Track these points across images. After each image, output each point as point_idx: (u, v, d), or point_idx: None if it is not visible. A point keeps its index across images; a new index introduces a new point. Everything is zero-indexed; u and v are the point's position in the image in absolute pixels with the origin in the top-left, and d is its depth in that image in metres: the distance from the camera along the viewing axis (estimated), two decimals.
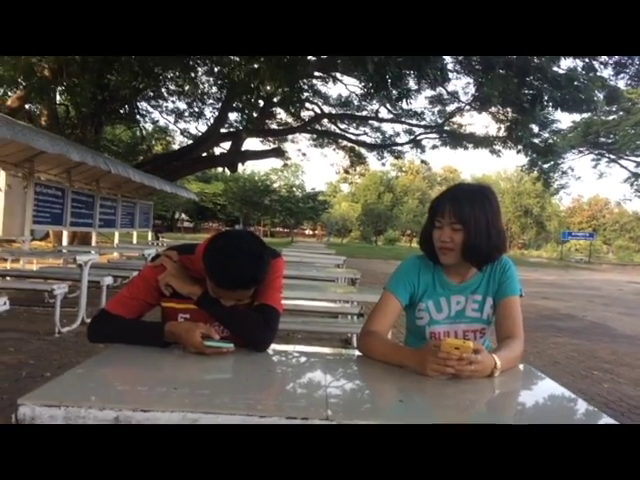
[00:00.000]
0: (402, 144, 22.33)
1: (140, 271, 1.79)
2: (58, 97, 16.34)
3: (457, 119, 20.45)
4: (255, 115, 18.54)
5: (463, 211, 1.62)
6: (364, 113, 21.07)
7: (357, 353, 1.72)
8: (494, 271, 1.76)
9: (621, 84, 17.56)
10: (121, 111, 18.14)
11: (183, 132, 23.23)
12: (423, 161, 25.89)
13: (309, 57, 13.74)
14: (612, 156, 32.86)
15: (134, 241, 15.23)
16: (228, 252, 1.54)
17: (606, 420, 1.20)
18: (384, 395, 1.44)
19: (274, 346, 1.72)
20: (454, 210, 1.63)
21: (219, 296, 1.60)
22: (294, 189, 49.92)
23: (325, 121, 22.15)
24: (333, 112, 21.29)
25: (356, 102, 20.43)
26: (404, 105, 17.30)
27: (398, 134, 22.13)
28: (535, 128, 17.61)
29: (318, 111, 20.96)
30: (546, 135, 18.55)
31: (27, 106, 16.49)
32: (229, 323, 1.65)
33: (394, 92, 12.75)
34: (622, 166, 34.58)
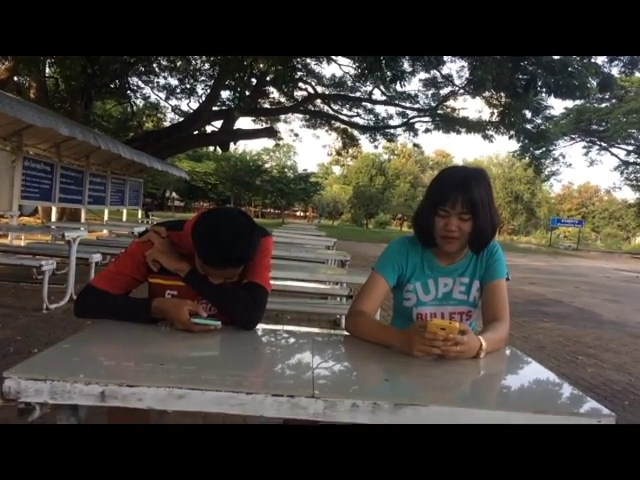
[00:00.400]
0: (395, 127, 22.22)
1: (127, 247, 1.77)
2: (47, 70, 16.03)
3: (450, 103, 20.37)
4: (248, 93, 18.32)
5: (474, 200, 1.60)
6: (357, 94, 20.90)
7: (345, 333, 1.72)
8: (482, 254, 1.76)
9: (615, 71, 17.56)
10: (111, 86, 17.88)
11: (174, 109, 22.97)
12: (416, 145, 25.82)
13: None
14: (603, 144, 32.96)
15: (124, 219, 15.14)
16: (218, 229, 1.52)
17: (590, 404, 1.21)
18: (370, 374, 1.44)
19: (262, 325, 1.72)
20: (466, 201, 1.60)
21: (207, 273, 1.59)
22: (286, 170, 49.76)
23: (318, 101, 21.96)
24: (326, 92, 21.10)
25: (350, 83, 20.24)
26: (398, 87, 17.14)
27: (391, 117, 22.02)
28: (528, 114, 17.61)
29: (311, 91, 20.77)
30: (539, 121, 18.56)
31: (15, 78, 16.17)
32: (217, 301, 1.64)
33: (388, 73, 12.65)
34: (613, 154, 34.74)
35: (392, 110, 21.68)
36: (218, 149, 24.04)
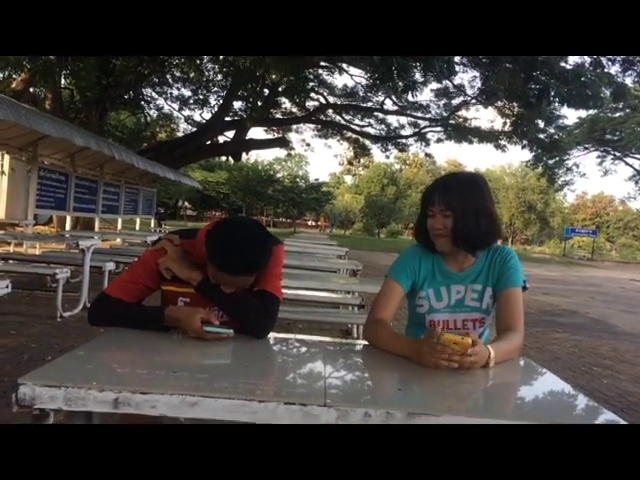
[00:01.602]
0: (407, 137, 22.24)
1: (140, 255, 1.78)
2: (63, 81, 16.25)
3: (462, 113, 20.36)
4: (260, 104, 18.46)
5: (452, 198, 1.67)
6: (369, 104, 20.96)
7: (358, 343, 1.73)
8: (495, 261, 1.76)
9: (628, 81, 17.37)
10: (125, 97, 18.11)
11: (187, 119, 23.19)
12: (427, 154, 25.78)
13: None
14: (617, 153, 32.65)
15: (137, 228, 15.25)
16: (231, 237, 1.53)
17: (606, 415, 1.19)
18: (383, 384, 1.44)
19: (274, 334, 1.72)
20: (443, 198, 1.69)
21: (220, 282, 1.60)
22: (297, 179, 49.88)
23: (330, 111, 22.05)
24: (338, 102, 21.20)
25: (361, 93, 20.33)
26: (409, 97, 17.20)
27: (403, 126, 22.06)
28: (541, 123, 17.51)
29: (323, 101, 20.88)
30: (552, 131, 18.45)
31: (31, 89, 16.42)
32: (229, 309, 1.65)
33: (400, 84, 12.65)
34: (627, 164, 34.38)
35: (404, 120, 21.72)
36: (230, 159, 24.16)
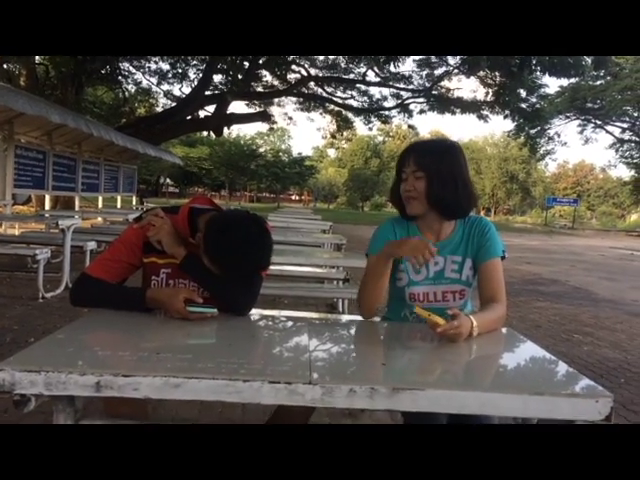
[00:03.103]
0: (389, 108, 22.07)
1: (121, 233, 1.75)
2: (37, 57, 15.82)
3: (445, 83, 20.26)
4: (240, 77, 18.15)
5: (424, 159, 1.69)
6: (351, 76, 20.73)
7: (342, 318, 1.73)
8: (473, 232, 1.76)
9: None
10: (102, 71, 17.66)
11: (167, 94, 22.72)
12: (410, 126, 25.73)
13: None
14: (598, 122, 32.88)
15: (118, 206, 15.06)
16: (241, 250, 1.51)
17: (587, 383, 1.21)
18: (367, 359, 1.44)
19: (259, 311, 1.72)
20: (415, 158, 1.70)
21: (215, 272, 1.58)
22: (280, 154, 49.50)
23: (312, 84, 21.78)
24: (320, 75, 20.91)
25: (343, 65, 20.04)
26: (392, 68, 17.07)
27: (385, 98, 21.88)
28: (523, 93, 17.53)
29: (305, 73, 20.57)
30: (533, 100, 18.49)
31: (5, 66, 15.96)
32: (211, 287, 1.64)
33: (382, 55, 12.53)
34: (608, 132, 34.68)
35: (386, 91, 21.61)
36: (212, 134, 23.84)
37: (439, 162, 1.67)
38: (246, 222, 1.58)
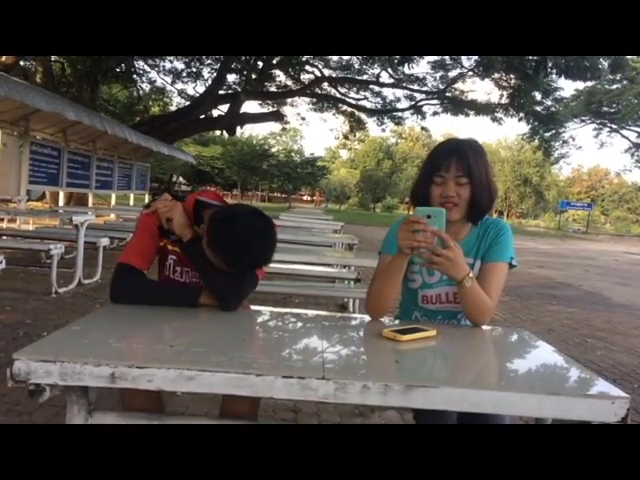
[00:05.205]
0: (402, 110, 21.97)
1: (137, 221, 1.79)
2: None
3: (459, 85, 20.11)
4: (254, 77, 18.19)
5: (470, 164, 1.60)
6: (365, 77, 20.67)
7: (354, 316, 1.72)
8: (488, 234, 1.72)
9: None
10: (117, 70, 17.80)
11: (181, 93, 22.88)
12: (423, 128, 25.54)
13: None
14: (614, 126, 32.49)
15: (131, 203, 15.16)
16: (245, 245, 1.52)
17: (603, 385, 1.20)
18: (380, 356, 1.43)
19: (270, 308, 1.72)
20: (461, 163, 1.60)
21: (218, 266, 1.58)
22: (292, 154, 49.51)
23: (325, 85, 21.74)
24: (333, 75, 20.88)
25: (357, 66, 19.98)
26: (405, 69, 17.00)
27: (399, 99, 21.77)
28: (538, 95, 17.37)
29: (318, 74, 20.55)
30: (549, 103, 18.31)
31: (22, 63, 16.11)
32: (204, 276, 1.65)
33: (396, 55, 12.49)
34: (624, 136, 34.28)
35: (400, 93, 21.66)
36: (225, 133, 23.90)
37: (479, 166, 1.61)
38: (252, 215, 1.60)
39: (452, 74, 19.10)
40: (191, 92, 22.45)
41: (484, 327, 1.65)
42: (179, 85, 22.03)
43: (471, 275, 1.49)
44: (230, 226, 1.53)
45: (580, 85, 26.43)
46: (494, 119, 19.02)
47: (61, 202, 11.37)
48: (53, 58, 16.27)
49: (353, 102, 22.29)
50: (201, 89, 20.70)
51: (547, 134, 21.62)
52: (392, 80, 20.16)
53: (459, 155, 1.61)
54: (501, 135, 64.25)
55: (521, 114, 17.72)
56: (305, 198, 64.88)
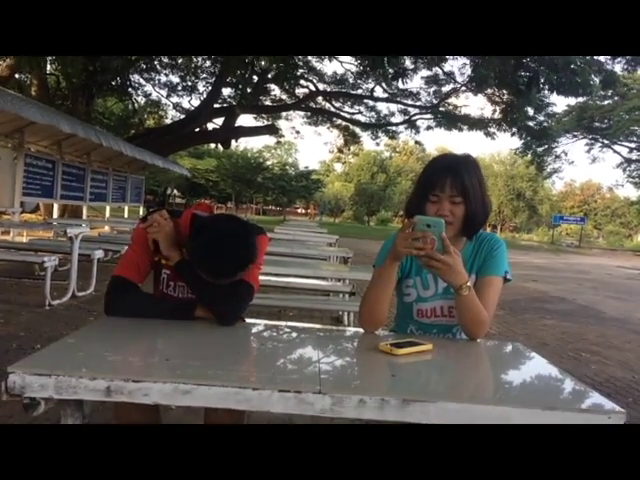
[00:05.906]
0: (397, 124, 22.15)
1: (132, 234, 1.80)
2: (49, 67, 16.00)
3: (452, 100, 20.32)
4: (249, 91, 18.29)
5: (464, 183, 1.60)
6: (359, 92, 20.83)
7: (349, 329, 1.72)
8: (482, 248, 1.72)
9: (617, 68, 17.43)
10: (113, 83, 17.84)
11: (176, 106, 22.92)
12: (417, 142, 25.72)
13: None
14: (606, 141, 32.81)
15: (125, 216, 15.12)
16: (215, 247, 1.51)
17: (599, 400, 1.20)
18: (376, 370, 1.43)
19: (266, 322, 1.71)
20: (455, 183, 1.60)
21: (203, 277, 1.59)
22: (287, 167, 49.59)
23: (320, 99, 21.89)
24: (328, 90, 21.03)
25: (351, 80, 20.15)
26: (400, 84, 17.14)
27: (393, 114, 21.97)
28: (530, 111, 17.56)
29: (313, 88, 20.69)
30: (541, 118, 18.51)
31: (17, 75, 16.14)
32: (200, 293, 1.64)
33: (390, 71, 12.62)
34: (615, 151, 34.61)
35: (394, 107, 21.68)
36: (219, 146, 23.97)
37: (474, 184, 1.61)
38: (224, 221, 1.60)
39: (445, 89, 19.31)
40: (186, 105, 22.58)
41: (479, 340, 1.65)
42: (174, 98, 22.08)
43: (469, 284, 1.49)
44: (202, 234, 1.54)
45: (572, 101, 26.74)
46: (487, 134, 19.18)
47: (55, 214, 11.33)
48: (48, 71, 16.31)
49: (347, 116, 22.45)
50: (196, 102, 20.88)
51: (540, 149, 21.85)
52: (386, 95, 20.34)
53: (454, 174, 1.60)
54: (494, 149, 64.84)
55: (514, 129, 17.90)
56: (300, 211, 64.96)
